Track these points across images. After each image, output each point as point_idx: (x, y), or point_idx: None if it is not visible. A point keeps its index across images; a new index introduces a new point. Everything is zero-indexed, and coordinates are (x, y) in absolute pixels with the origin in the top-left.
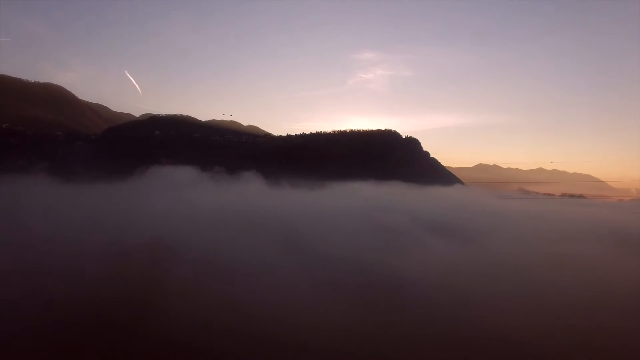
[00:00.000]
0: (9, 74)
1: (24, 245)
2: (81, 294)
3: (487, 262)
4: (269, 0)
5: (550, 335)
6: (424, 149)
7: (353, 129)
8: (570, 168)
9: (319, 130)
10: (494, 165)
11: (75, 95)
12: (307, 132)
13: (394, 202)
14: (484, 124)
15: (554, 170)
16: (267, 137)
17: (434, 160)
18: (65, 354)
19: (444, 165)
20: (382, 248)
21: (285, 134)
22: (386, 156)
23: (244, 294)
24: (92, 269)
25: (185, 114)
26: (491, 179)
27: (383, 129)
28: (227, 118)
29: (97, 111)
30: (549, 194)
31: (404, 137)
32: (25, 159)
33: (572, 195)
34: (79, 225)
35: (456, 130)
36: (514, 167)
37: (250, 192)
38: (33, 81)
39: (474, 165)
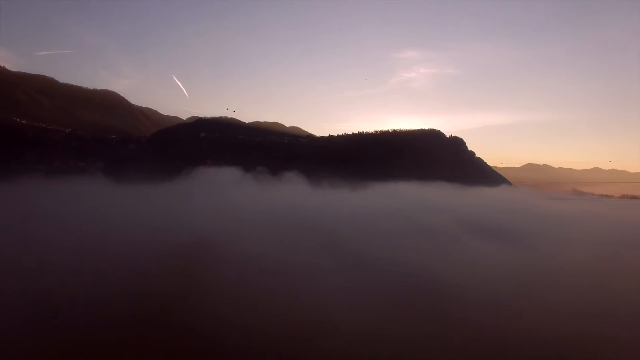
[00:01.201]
0: (71, 83)
1: (79, 243)
2: (128, 291)
3: (536, 267)
4: (308, 2)
5: (604, 344)
6: (469, 149)
7: (395, 129)
8: (632, 167)
9: (360, 131)
10: (545, 165)
11: (129, 100)
12: (349, 133)
13: (437, 203)
14: (534, 121)
15: (613, 169)
16: (309, 137)
17: (480, 160)
18: (113, 348)
19: (490, 165)
20: (424, 250)
21: (327, 135)
22: (429, 156)
23: (284, 294)
24: (140, 267)
25: (229, 116)
26: (541, 179)
27: (426, 128)
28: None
29: (147, 115)
30: (607, 195)
31: (448, 136)
32: (84, 160)
33: (634, 197)
34: (129, 224)
35: (504, 129)
36: (566, 166)
37: (292, 192)
38: (92, 88)
39: (523, 165)
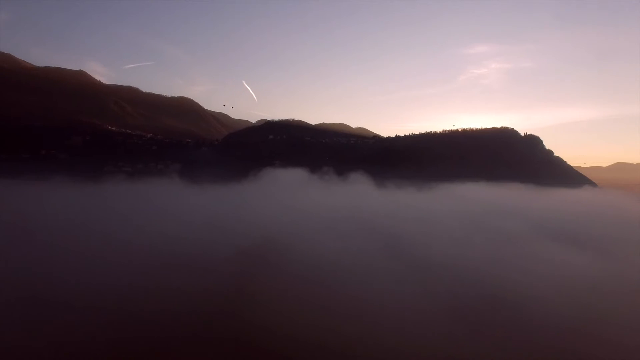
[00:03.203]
0: (153, 92)
1: (151, 241)
2: (196, 288)
3: (628, 280)
4: (373, 2)
5: None
6: (547, 147)
7: (465, 127)
8: None
9: (428, 131)
10: (639, 164)
11: (202, 106)
12: (416, 133)
13: (509, 206)
14: (625, 115)
15: None
16: (376, 138)
17: (559, 160)
18: (180, 345)
19: (572, 165)
20: (494, 257)
21: (394, 135)
22: (501, 156)
23: (346, 300)
24: (210, 265)
25: (296, 118)
26: (634, 180)
27: (498, 126)
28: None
29: (219, 119)
30: None
31: (522, 134)
32: (163, 163)
33: None
34: (200, 224)
35: (587, 124)
36: None
37: (357, 193)
38: (170, 96)
39: (611, 164)
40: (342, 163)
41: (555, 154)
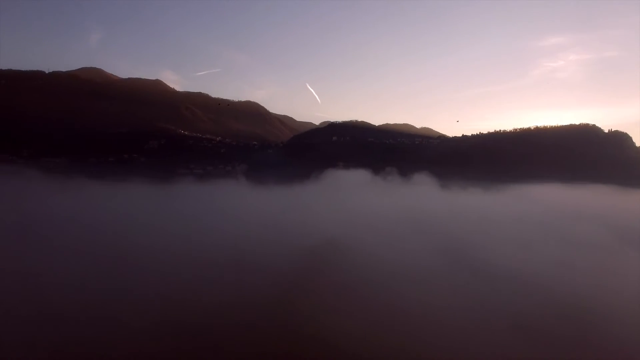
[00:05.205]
0: (221, 97)
1: (215, 239)
2: (256, 286)
3: None
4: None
5: None
6: (637, 145)
7: (539, 125)
8: None
9: (497, 129)
10: None
11: (267, 109)
12: (485, 132)
13: (587, 209)
14: None
15: None
16: (441, 138)
17: None
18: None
19: None
20: (570, 265)
21: (460, 135)
22: (580, 155)
23: (403, 308)
24: (267, 266)
25: (359, 119)
26: None
27: (577, 123)
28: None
29: (284, 122)
30: None
31: (606, 131)
32: (230, 165)
33: None
34: (263, 224)
35: None
36: None
37: (420, 194)
38: (237, 100)
39: None
40: (405, 164)
41: None
